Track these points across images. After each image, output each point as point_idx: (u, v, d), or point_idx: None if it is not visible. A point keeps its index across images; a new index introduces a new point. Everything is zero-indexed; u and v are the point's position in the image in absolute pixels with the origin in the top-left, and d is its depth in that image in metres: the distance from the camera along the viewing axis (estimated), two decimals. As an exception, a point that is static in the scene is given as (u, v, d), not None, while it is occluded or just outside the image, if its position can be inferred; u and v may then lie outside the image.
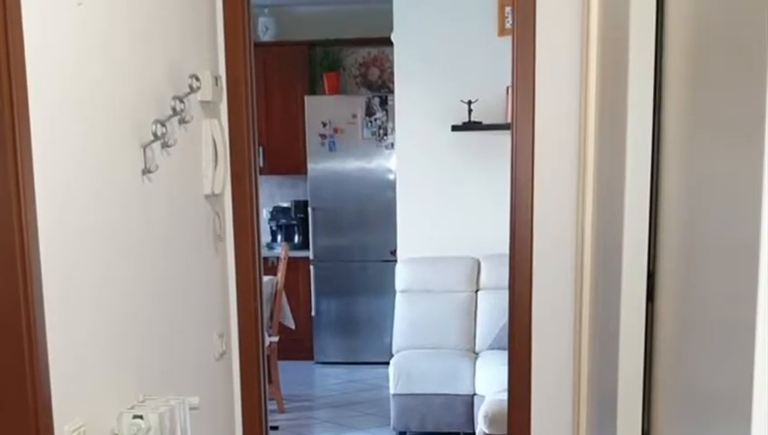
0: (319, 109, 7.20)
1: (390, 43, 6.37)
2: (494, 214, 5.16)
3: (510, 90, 3.19)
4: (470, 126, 5.88)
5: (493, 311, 5.74)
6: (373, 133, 7.14)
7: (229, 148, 3.20)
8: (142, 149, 2.52)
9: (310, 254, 7.38)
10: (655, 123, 2.11)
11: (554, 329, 3.09)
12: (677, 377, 1.95)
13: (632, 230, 2.18)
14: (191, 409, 2.58)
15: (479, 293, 5.99)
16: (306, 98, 7.28)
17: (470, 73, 5.99)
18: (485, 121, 5.86)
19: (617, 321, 2.24)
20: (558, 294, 3.07)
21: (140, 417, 2.35)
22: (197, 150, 3.01)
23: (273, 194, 7.88)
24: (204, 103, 3.01)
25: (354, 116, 7.15)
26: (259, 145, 3.47)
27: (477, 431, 4.84)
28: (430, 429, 5.51)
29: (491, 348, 5.67)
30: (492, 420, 4.54)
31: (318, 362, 7.44)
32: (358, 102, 7.19)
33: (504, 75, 3.62)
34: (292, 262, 6.66)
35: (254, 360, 3.39)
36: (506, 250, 3.17)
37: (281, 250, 6.45)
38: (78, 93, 2.17)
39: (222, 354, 3.26)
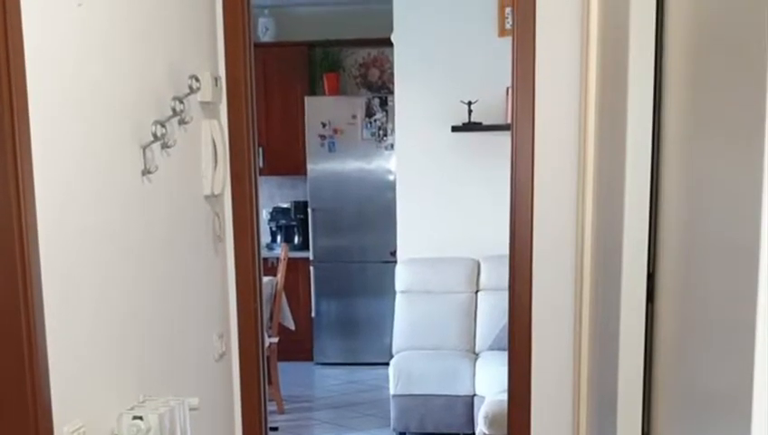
0: (319, 109, 7.20)
1: (390, 44, 6.37)
2: (493, 215, 5.16)
3: (510, 90, 3.19)
4: (470, 127, 5.88)
5: (493, 312, 5.74)
6: (373, 134, 7.14)
7: (229, 148, 3.20)
8: (142, 150, 2.52)
9: (310, 254, 7.37)
10: (655, 123, 2.11)
11: (554, 329, 3.09)
12: (677, 377, 1.95)
13: (632, 230, 2.18)
14: (191, 409, 2.58)
15: (479, 293, 5.99)
16: (306, 98, 7.27)
17: (470, 74, 5.99)
18: (485, 122, 5.86)
19: (617, 321, 2.24)
20: (558, 294, 3.07)
21: (140, 418, 2.35)
22: (197, 151, 3.01)
23: (272, 195, 7.88)
24: (204, 104, 3.01)
25: (354, 117, 7.15)
26: (259, 146, 3.47)
27: (477, 432, 4.83)
28: (430, 429, 5.50)
29: (491, 349, 5.67)
30: (492, 421, 4.53)
31: (318, 363, 7.43)
32: (358, 103, 7.19)
33: (503, 76, 3.62)
34: (291, 263, 6.66)
35: (254, 361, 3.39)
36: (506, 251, 3.17)
37: (280, 251, 6.45)
38: (78, 94, 2.17)
39: (222, 355, 3.25)
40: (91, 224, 2.23)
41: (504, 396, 3.34)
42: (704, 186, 1.71)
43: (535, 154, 3.03)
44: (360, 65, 7.81)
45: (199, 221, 3.06)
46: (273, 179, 7.77)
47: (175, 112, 2.68)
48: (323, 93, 7.47)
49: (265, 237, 7.72)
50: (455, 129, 5.92)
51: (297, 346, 7.12)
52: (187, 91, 2.79)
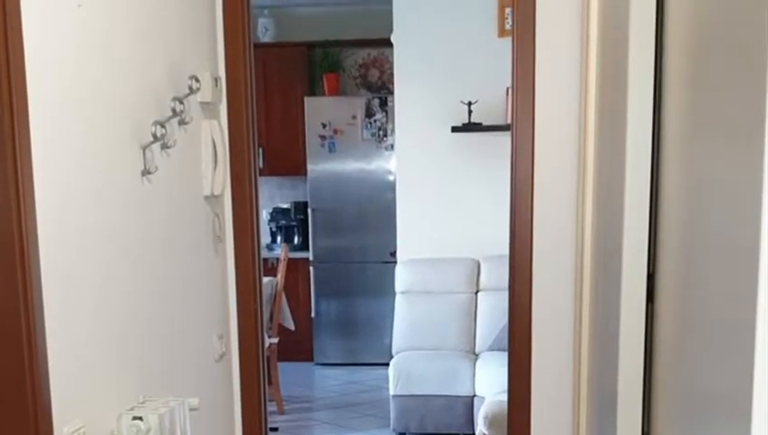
0: (318, 110, 7.20)
1: (390, 45, 6.37)
2: (493, 215, 5.16)
3: (510, 91, 3.19)
4: (470, 127, 5.88)
5: (493, 312, 5.74)
6: (373, 134, 7.14)
7: (229, 149, 3.20)
8: (142, 150, 2.52)
9: (309, 255, 7.37)
10: (655, 123, 2.11)
11: (554, 330, 3.09)
12: (677, 377, 1.95)
13: (632, 230, 2.18)
14: (191, 410, 2.58)
15: (479, 294, 5.99)
16: (306, 99, 7.27)
17: (470, 75, 5.99)
18: (485, 123, 5.86)
19: (617, 321, 2.24)
20: (558, 294, 3.07)
21: (140, 418, 2.35)
22: (197, 152, 3.01)
23: (272, 195, 7.88)
24: (203, 104, 3.01)
25: (354, 117, 7.15)
26: (259, 146, 3.47)
27: (477, 433, 4.83)
28: (430, 430, 5.50)
29: (491, 349, 5.67)
30: (492, 422, 4.53)
31: (318, 364, 7.43)
32: (357, 104, 7.19)
33: (503, 76, 3.62)
34: (291, 263, 6.66)
35: (254, 361, 3.39)
36: (506, 251, 3.17)
37: (280, 251, 6.45)
38: (78, 94, 2.17)
39: (222, 356, 3.25)
40: (91, 224, 2.23)
41: (504, 396, 3.34)
42: (704, 186, 1.71)
43: (535, 154, 3.03)
44: (360, 66, 7.81)
45: (199, 222, 3.06)
46: (273, 180, 7.77)
47: (175, 113, 2.68)
48: (323, 94, 7.47)
49: (265, 238, 7.73)
50: (455, 129, 5.92)
51: (297, 346, 7.12)
52: (187, 91, 2.79)
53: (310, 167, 7.23)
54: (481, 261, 6.02)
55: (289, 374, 6.70)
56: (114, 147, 2.37)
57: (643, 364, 2.20)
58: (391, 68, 6.63)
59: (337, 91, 7.45)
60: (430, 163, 6.21)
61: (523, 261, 3.10)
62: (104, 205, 2.30)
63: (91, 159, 2.23)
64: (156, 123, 2.55)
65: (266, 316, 5.62)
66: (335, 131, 7.17)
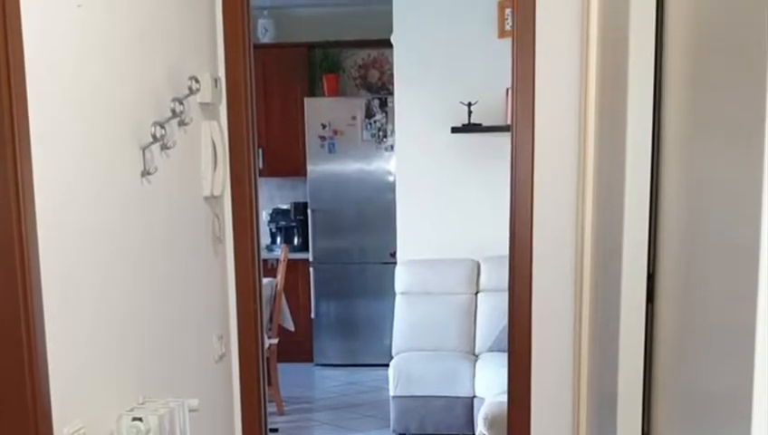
0: (318, 111, 7.20)
1: (390, 45, 6.37)
2: (493, 216, 5.16)
3: (510, 91, 3.19)
4: (470, 128, 5.88)
5: (492, 313, 5.74)
6: (373, 135, 7.14)
7: (229, 150, 3.20)
8: (141, 151, 2.51)
9: (309, 256, 7.37)
10: (655, 123, 2.10)
11: (554, 330, 3.09)
12: (677, 378, 1.95)
13: (632, 231, 2.17)
14: (191, 411, 2.58)
15: (479, 295, 5.99)
16: (306, 100, 7.27)
17: (470, 75, 5.99)
18: (485, 123, 5.86)
19: (617, 322, 2.24)
20: (558, 295, 3.07)
21: (140, 419, 2.34)
22: (197, 152, 3.01)
23: (272, 196, 7.88)
24: (203, 105, 3.01)
25: (354, 118, 7.15)
26: (258, 147, 3.47)
27: (477, 433, 4.83)
28: (430, 431, 5.50)
29: (491, 350, 5.67)
30: (492, 422, 4.53)
31: (317, 365, 7.42)
32: (357, 104, 7.18)
33: (503, 77, 3.62)
34: (291, 264, 6.66)
35: (254, 362, 3.39)
36: (506, 252, 3.17)
37: (280, 252, 6.45)
38: (77, 94, 2.16)
39: (221, 356, 3.25)
40: (91, 224, 2.22)
41: (504, 397, 3.34)
42: (704, 186, 1.71)
43: (535, 155, 3.03)
44: (360, 66, 7.81)
45: (199, 222, 3.06)
46: (273, 181, 7.77)
47: (174, 114, 2.68)
48: (323, 94, 7.47)
49: (265, 239, 7.73)
50: (454, 130, 5.92)
51: (297, 347, 7.12)
52: (187, 92, 2.79)
53: (309, 167, 7.23)
54: (481, 262, 6.02)
55: (289, 375, 6.70)
56: (114, 147, 2.37)
57: (643, 365, 2.20)
58: (391, 69, 6.63)
59: (337, 91, 7.45)
60: (430, 164, 6.21)
61: (523, 262, 3.10)
62: (104, 205, 2.30)
63: (90, 160, 2.23)
64: (155, 124, 2.55)
65: (266, 317, 5.62)
66: (335, 132, 7.16)
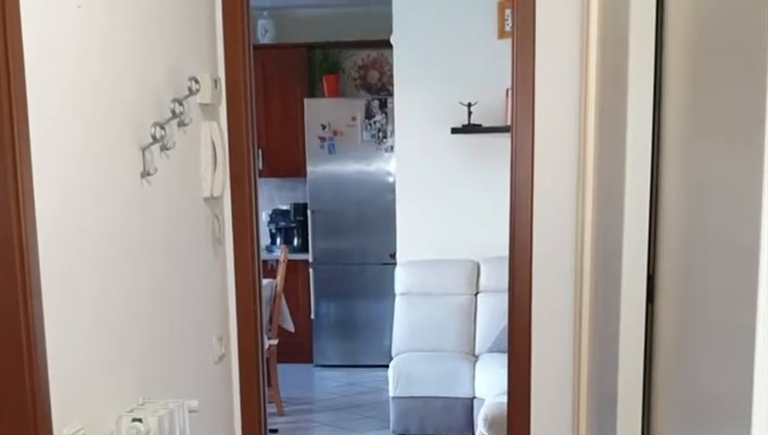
0: (318, 111, 7.19)
1: (390, 46, 6.37)
2: (493, 217, 5.15)
3: (510, 92, 3.19)
4: (470, 129, 5.88)
5: (492, 314, 5.73)
6: (373, 136, 7.14)
7: (228, 150, 3.19)
8: (141, 152, 2.51)
9: (309, 257, 7.37)
10: (655, 124, 2.10)
11: (554, 331, 3.09)
12: (677, 379, 1.95)
13: (632, 231, 2.17)
14: (190, 412, 2.57)
15: (479, 296, 5.99)
16: (305, 100, 7.27)
17: (470, 76, 5.99)
18: (485, 124, 5.86)
19: (617, 323, 2.24)
20: (558, 296, 3.06)
21: (139, 420, 2.34)
22: (196, 153, 3.01)
23: (272, 197, 7.88)
24: (203, 106, 3.01)
25: (353, 119, 7.15)
26: (258, 148, 3.47)
27: (477, 434, 4.83)
28: (430, 432, 5.50)
29: (490, 351, 5.67)
30: (491, 423, 4.53)
31: (317, 365, 7.42)
32: (357, 105, 7.18)
33: (503, 78, 3.62)
34: (291, 265, 6.65)
35: (254, 363, 3.39)
36: (506, 253, 3.17)
37: (280, 253, 6.45)
38: (77, 94, 2.16)
39: (221, 357, 3.25)
40: (91, 225, 2.22)
41: (504, 398, 3.34)
42: (704, 186, 1.71)
43: (535, 155, 3.03)
44: (360, 67, 7.81)
45: (199, 223, 3.06)
46: (273, 181, 7.77)
47: (174, 114, 2.67)
48: (323, 95, 7.47)
49: (265, 239, 7.73)
50: (454, 130, 5.92)
51: (296, 348, 7.11)
52: (187, 92, 2.78)
53: (309, 168, 7.23)
54: (481, 263, 6.02)
55: (288, 376, 6.69)
56: (114, 148, 2.37)
57: (643, 366, 2.20)
58: (391, 69, 6.63)
59: (336, 92, 7.45)
60: (430, 165, 6.21)
61: (523, 262, 3.09)
62: (104, 206, 2.30)
63: (90, 160, 2.22)
64: (155, 125, 2.55)
65: (266, 318, 5.61)
66: (335, 133, 7.16)
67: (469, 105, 5.81)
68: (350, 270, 7.31)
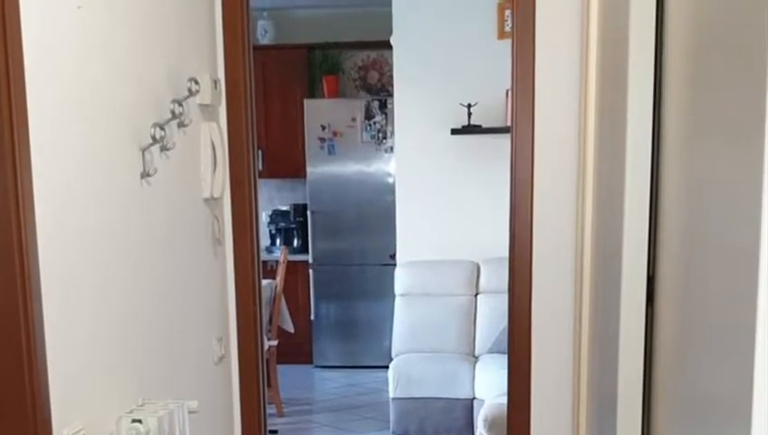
0: (318, 112, 7.19)
1: (390, 47, 6.37)
2: (493, 217, 5.16)
3: (510, 92, 3.19)
4: (469, 129, 5.88)
5: (492, 314, 5.73)
6: (372, 137, 7.14)
7: (228, 151, 3.19)
8: (141, 153, 2.51)
9: (309, 257, 7.37)
10: (655, 124, 2.10)
11: (554, 332, 3.09)
12: (677, 380, 1.95)
13: (632, 232, 2.17)
14: (190, 413, 2.57)
15: (479, 296, 5.99)
16: (305, 101, 7.27)
17: (469, 77, 5.99)
18: (485, 125, 5.86)
19: (617, 324, 2.24)
20: (558, 296, 3.06)
21: (139, 421, 2.34)
22: (196, 154, 3.01)
23: (272, 197, 7.88)
24: (203, 107, 3.01)
25: (353, 119, 7.15)
26: (258, 148, 3.47)
27: (477, 435, 4.83)
28: (430, 433, 5.50)
29: (490, 352, 5.67)
30: (491, 424, 4.53)
31: (317, 366, 7.42)
32: (357, 106, 7.18)
33: (503, 78, 3.62)
34: (291, 265, 6.65)
35: (254, 364, 3.38)
36: (506, 254, 3.17)
37: (280, 254, 6.45)
38: (77, 94, 2.16)
39: (221, 358, 3.25)
40: (91, 225, 2.22)
41: (504, 399, 3.34)
42: (704, 187, 1.71)
43: (535, 156, 3.03)
44: (360, 68, 7.81)
45: (198, 224, 3.05)
46: (273, 182, 7.77)
47: (174, 115, 2.67)
48: (323, 96, 7.47)
49: (265, 240, 7.73)
50: (454, 131, 5.92)
51: (296, 349, 7.11)
52: (187, 93, 2.78)
53: (309, 169, 7.23)
54: (480, 263, 6.02)
55: (288, 377, 6.70)
56: (114, 148, 2.37)
57: (643, 367, 2.20)
58: (391, 70, 6.63)
59: (336, 93, 7.45)
60: (430, 165, 6.21)
61: (523, 263, 3.09)
62: (104, 206, 2.30)
63: (90, 160, 2.22)
64: (155, 125, 2.55)
65: (266, 319, 5.61)
66: (334, 134, 7.16)
67: (469, 106, 5.81)
68: (349, 271, 7.31)
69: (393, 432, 5.60)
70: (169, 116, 2.66)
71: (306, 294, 7.39)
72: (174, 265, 2.82)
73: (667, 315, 2.05)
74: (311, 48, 7.64)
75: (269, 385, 5.65)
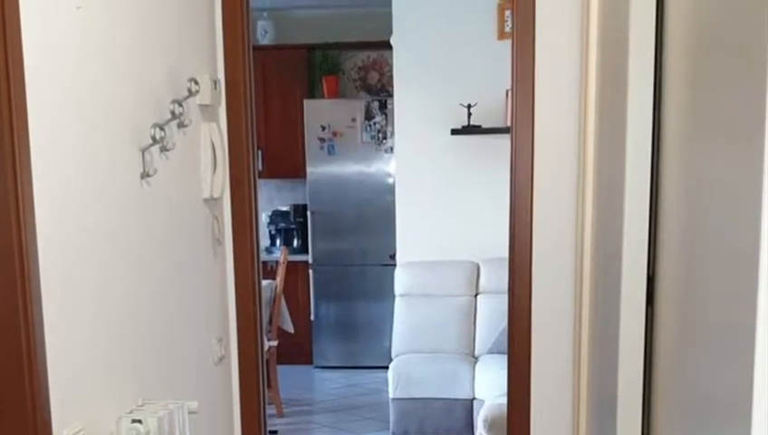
0: (318, 112, 7.19)
1: (390, 47, 6.37)
2: (493, 218, 5.15)
3: (509, 93, 3.19)
4: (469, 130, 5.88)
5: (492, 315, 5.73)
6: (372, 137, 7.14)
7: (228, 151, 3.19)
8: (141, 153, 2.51)
9: (309, 258, 7.37)
10: (655, 124, 2.10)
11: (554, 332, 3.09)
12: (677, 380, 1.95)
13: (632, 232, 2.17)
14: (190, 413, 2.57)
15: (478, 297, 5.99)
16: (305, 101, 7.27)
17: (469, 77, 5.99)
18: (485, 125, 5.86)
19: (616, 324, 2.24)
20: (558, 297, 3.06)
21: (139, 421, 2.34)
22: (196, 154, 3.00)
23: (272, 198, 7.88)
24: (203, 107, 3.01)
25: (353, 120, 7.15)
26: (258, 149, 3.47)
27: (477, 435, 4.83)
28: (429, 433, 5.50)
29: (490, 352, 5.66)
30: (491, 425, 4.53)
31: (317, 367, 7.42)
32: (357, 106, 7.18)
33: (503, 79, 3.62)
34: (291, 266, 6.65)
35: (253, 364, 3.38)
36: (506, 254, 3.17)
37: (280, 254, 6.45)
38: (77, 95, 2.16)
39: (221, 359, 3.25)
40: (91, 225, 2.22)
41: (504, 399, 3.34)
42: (704, 187, 1.71)
43: (535, 156, 3.03)
44: (360, 68, 7.81)
45: (198, 224, 3.05)
46: (273, 182, 7.77)
47: (174, 115, 2.67)
48: (323, 96, 7.47)
49: (265, 241, 7.72)
50: (454, 132, 5.92)
51: (296, 349, 7.11)
52: (186, 93, 2.78)
53: (309, 169, 7.23)
54: (480, 264, 6.02)
55: (288, 377, 6.69)
56: (114, 148, 2.37)
57: (643, 367, 2.20)
58: (391, 70, 6.63)
59: (336, 93, 7.45)
60: (430, 166, 6.21)
61: (523, 264, 3.09)
62: (104, 206, 2.30)
63: (90, 161, 2.22)
64: (155, 126, 2.55)
65: (265, 319, 5.60)
66: (334, 134, 7.16)
67: (469, 106, 5.81)
68: (349, 271, 7.31)
69: (393, 433, 5.59)
70: (169, 116, 2.66)
71: (306, 295, 7.39)
72: (174, 266, 2.82)
73: (667, 316, 2.05)
74: (311, 48, 7.63)
75: (269, 386, 5.64)
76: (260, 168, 4.20)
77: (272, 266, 6.80)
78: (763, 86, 1.26)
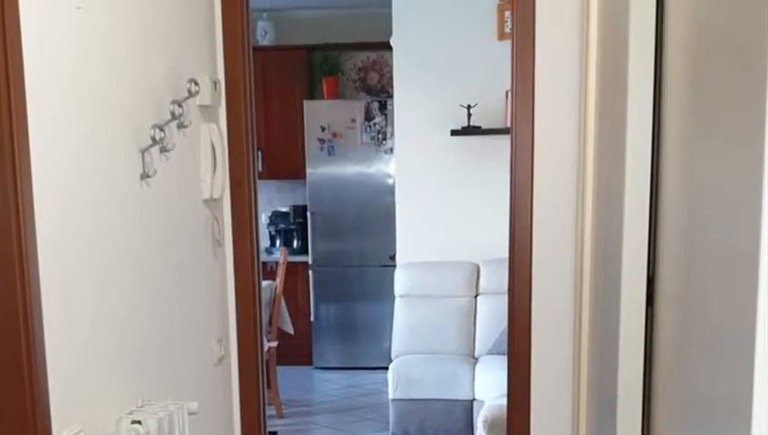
0: (318, 113, 7.20)
1: (389, 48, 6.37)
2: (493, 218, 5.15)
3: (509, 93, 3.19)
4: (469, 131, 5.88)
5: (492, 316, 5.73)
6: (372, 138, 7.14)
7: (228, 152, 3.19)
8: (141, 154, 2.51)
9: (309, 259, 7.37)
10: (655, 125, 2.10)
11: (554, 333, 3.08)
12: (677, 381, 1.95)
13: (632, 233, 2.17)
14: (190, 414, 2.57)
15: (478, 298, 5.99)
16: (305, 102, 7.27)
17: (469, 78, 5.99)
18: (485, 126, 5.86)
19: (616, 325, 2.23)
20: (558, 298, 3.06)
21: (139, 422, 2.34)
22: (196, 155, 3.00)
23: (271, 199, 7.88)
24: (202, 108, 3.01)
25: (353, 120, 7.15)
26: (258, 149, 3.47)
27: (477, 436, 4.83)
28: (429, 434, 5.49)
29: (490, 353, 5.66)
30: (491, 426, 4.52)
31: (317, 368, 7.42)
32: (357, 107, 7.19)
33: (503, 80, 3.62)
34: (290, 267, 6.65)
35: (253, 365, 3.38)
36: (506, 255, 3.17)
37: (280, 255, 6.45)
38: (77, 95, 2.16)
39: (221, 359, 3.25)
40: (91, 226, 2.22)
41: (504, 400, 3.33)
42: (704, 188, 1.71)
43: (535, 157, 3.02)
44: (360, 69, 7.81)
45: (198, 225, 3.05)
46: (273, 183, 7.77)
47: (174, 116, 2.67)
48: (322, 97, 7.47)
49: (264, 242, 7.72)
50: (454, 132, 5.93)
51: (296, 350, 7.11)
52: (186, 94, 2.78)
53: (309, 170, 7.23)
54: (480, 264, 6.02)
55: (288, 378, 6.69)
56: (113, 149, 2.37)
57: (643, 368, 2.20)
58: (391, 71, 6.63)
59: (336, 94, 7.45)
60: (429, 166, 6.21)
61: (523, 264, 3.09)
62: (103, 207, 2.30)
63: (90, 162, 2.22)
64: (155, 126, 2.55)
65: (265, 320, 5.61)
66: (334, 135, 7.17)
67: (469, 107, 5.81)
68: (349, 272, 7.31)
69: (393, 433, 5.59)
70: (169, 117, 2.66)
71: (306, 296, 7.39)
72: (174, 267, 2.81)
73: (667, 316, 2.05)
74: (310, 49, 7.64)
75: (269, 386, 5.65)
76: (260, 168, 4.20)
77: (272, 267, 6.80)
78: (763, 87, 1.26)
